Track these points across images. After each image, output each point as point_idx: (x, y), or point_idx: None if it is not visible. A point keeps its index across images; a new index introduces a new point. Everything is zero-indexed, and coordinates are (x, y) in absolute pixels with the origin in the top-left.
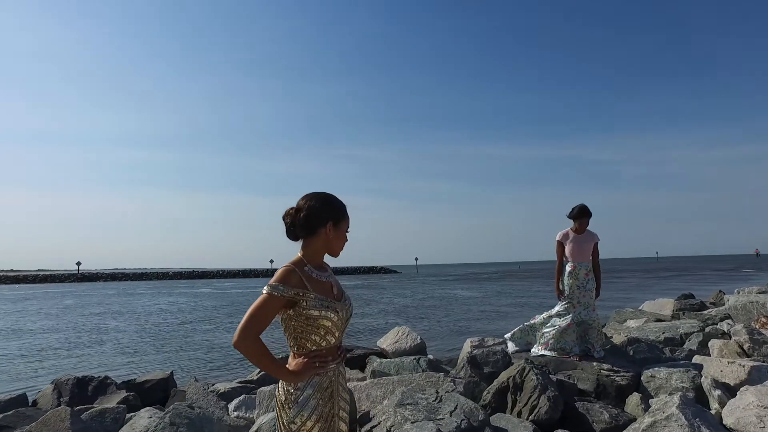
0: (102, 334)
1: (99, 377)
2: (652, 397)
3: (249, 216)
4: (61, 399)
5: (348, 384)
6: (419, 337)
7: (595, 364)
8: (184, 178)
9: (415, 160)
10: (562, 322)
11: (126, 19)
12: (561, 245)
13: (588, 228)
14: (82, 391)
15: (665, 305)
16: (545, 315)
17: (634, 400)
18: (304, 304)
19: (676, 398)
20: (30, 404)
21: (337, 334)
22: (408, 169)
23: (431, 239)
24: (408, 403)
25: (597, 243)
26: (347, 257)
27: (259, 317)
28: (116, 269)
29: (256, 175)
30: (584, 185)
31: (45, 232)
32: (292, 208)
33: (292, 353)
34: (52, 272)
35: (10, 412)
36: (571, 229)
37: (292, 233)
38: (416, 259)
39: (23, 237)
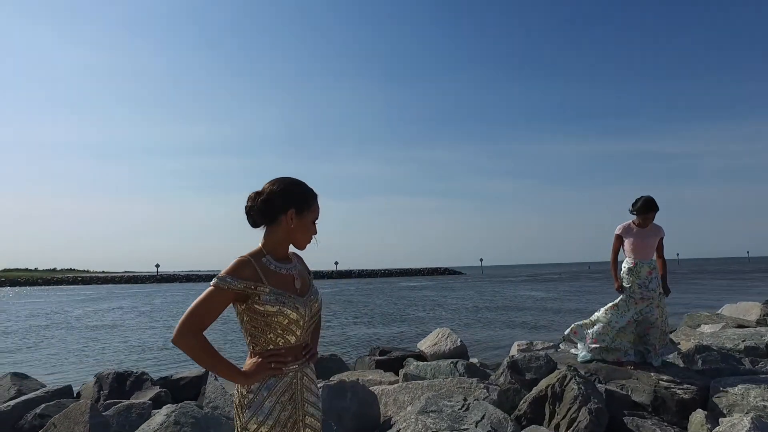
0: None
1: (137, 372)
2: (724, 416)
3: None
4: (101, 392)
5: (377, 387)
6: (459, 340)
7: (653, 373)
8: (256, 183)
9: (481, 160)
10: (620, 319)
11: (199, 35)
12: (619, 239)
13: (653, 222)
14: (120, 385)
15: (750, 309)
16: (601, 311)
17: (698, 418)
18: (257, 298)
19: (746, 420)
20: (74, 396)
21: (298, 333)
22: (474, 169)
23: (496, 240)
24: (431, 411)
25: (662, 238)
26: (411, 258)
27: (202, 312)
28: (191, 271)
29: (322, 178)
30: (658, 180)
31: (127, 237)
32: (254, 192)
33: (249, 352)
34: (135, 274)
35: (53, 402)
36: (633, 222)
37: (252, 219)
38: (481, 260)
39: (112, 241)
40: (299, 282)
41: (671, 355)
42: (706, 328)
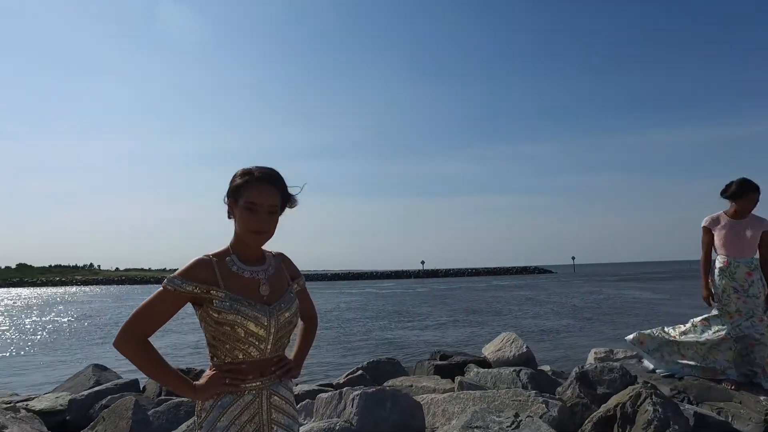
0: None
1: (197, 371)
2: None
3: (401, 218)
4: (163, 388)
5: (428, 396)
6: (525, 346)
7: (762, 397)
8: (344, 185)
9: (573, 154)
10: (712, 334)
11: (286, 45)
12: (708, 233)
13: (754, 212)
14: None
15: None
16: (690, 324)
17: None
18: (212, 303)
19: None
20: (141, 390)
21: (262, 347)
22: (564, 164)
23: (589, 237)
24: (476, 426)
25: (766, 232)
26: (499, 257)
27: (146, 316)
28: None
29: (408, 178)
30: None
31: (219, 237)
32: None
33: (210, 363)
34: None
35: (118, 395)
36: (725, 212)
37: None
38: (573, 258)
39: (214, 244)
40: (266, 288)
41: None
42: None
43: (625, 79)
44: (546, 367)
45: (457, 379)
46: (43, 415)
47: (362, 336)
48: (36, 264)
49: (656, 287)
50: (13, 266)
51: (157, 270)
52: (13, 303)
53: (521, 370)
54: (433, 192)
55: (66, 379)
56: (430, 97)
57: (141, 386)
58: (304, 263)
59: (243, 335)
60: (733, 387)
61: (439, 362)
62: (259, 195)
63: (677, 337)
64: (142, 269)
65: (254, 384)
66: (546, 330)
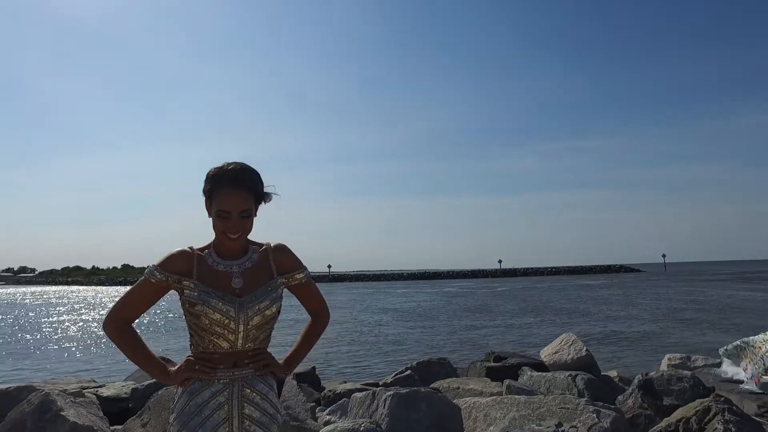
0: (375, 327)
1: None
2: None
3: (476, 217)
4: None
5: (472, 399)
6: (585, 349)
7: None
8: (411, 185)
9: (661, 143)
10: None
11: (347, 49)
12: None
13: None
14: None
15: None
16: None
17: None
18: (184, 293)
19: None
20: None
21: (231, 338)
22: (652, 154)
23: (681, 233)
24: None
25: None
26: (579, 255)
27: (127, 302)
28: (359, 271)
29: (475, 175)
30: None
31: (301, 238)
32: None
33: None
34: (311, 273)
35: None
36: None
37: None
38: (663, 255)
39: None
40: (239, 281)
41: None
42: None
43: (703, 62)
44: (613, 373)
45: (506, 382)
46: (109, 401)
47: (447, 335)
48: (137, 264)
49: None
50: (119, 266)
51: None
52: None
53: (578, 375)
54: (501, 189)
55: (136, 369)
56: (492, 92)
57: None
58: (378, 263)
59: (208, 325)
60: None
61: (492, 364)
62: (228, 202)
63: (760, 342)
64: None
65: (225, 374)
66: (633, 332)
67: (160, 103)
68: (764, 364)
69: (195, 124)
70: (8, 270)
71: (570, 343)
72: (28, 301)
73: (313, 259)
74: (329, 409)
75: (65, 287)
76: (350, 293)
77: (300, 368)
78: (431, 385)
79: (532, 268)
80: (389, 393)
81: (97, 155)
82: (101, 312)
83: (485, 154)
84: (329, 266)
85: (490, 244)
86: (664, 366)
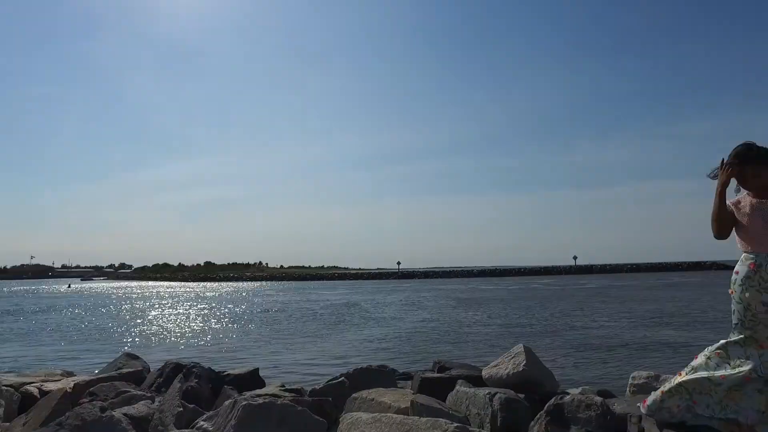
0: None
1: (189, 365)
2: None
3: (550, 212)
4: (157, 380)
5: (362, 415)
6: (524, 364)
7: None
8: (490, 180)
9: (759, 125)
10: (732, 372)
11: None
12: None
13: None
14: (167, 378)
15: None
16: (703, 356)
17: None
18: None
19: None
20: (139, 381)
21: None
22: (749, 138)
23: None
24: None
25: None
26: (664, 251)
27: None
28: (428, 268)
29: (555, 168)
30: None
31: (369, 236)
32: None
33: None
34: (380, 270)
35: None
36: (749, 193)
37: None
38: None
39: (364, 241)
40: None
41: None
42: None
43: None
44: (575, 390)
45: (411, 398)
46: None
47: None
48: (218, 262)
49: None
50: (202, 263)
51: (316, 267)
52: (198, 294)
53: (496, 393)
54: (585, 181)
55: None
56: (575, 76)
57: (145, 376)
58: (451, 260)
59: None
60: None
61: (427, 375)
62: None
63: (684, 375)
64: (302, 267)
65: None
66: (669, 340)
67: (244, 110)
68: (689, 396)
69: (272, 129)
70: (110, 266)
71: (512, 356)
72: (120, 293)
73: (384, 256)
74: (207, 414)
75: (154, 282)
76: (401, 289)
77: (241, 369)
78: (353, 395)
79: (609, 265)
80: (243, 403)
81: (188, 160)
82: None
83: (570, 143)
84: (398, 263)
85: (565, 239)
86: (630, 386)
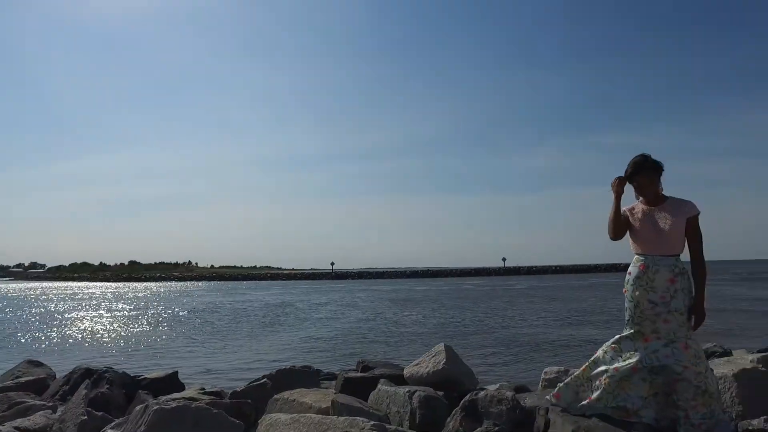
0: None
1: (100, 370)
2: None
3: (482, 215)
4: (63, 388)
5: (282, 416)
6: (443, 363)
7: None
8: (424, 182)
9: (686, 139)
10: (622, 363)
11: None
12: (626, 226)
13: (672, 196)
14: (74, 384)
15: None
16: (601, 351)
17: None
18: None
19: None
20: (40, 391)
21: None
22: (677, 150)
23: (708, 230)
24: None
25: (691, 219)
26: (587, 253)
27: None
28: (362, 268)
29: (494, 172)
30: None
31: (303, 237)
32: None
33: None
34: (314, 271)
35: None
36: (642, 200)
37: None
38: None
39: (298, 241)
40: None
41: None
42: None
43: (742, 48)
44: (494, 387)
45: (332, 398)
46: None
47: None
48: (144, 261)
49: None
50: (126, 263)
51: (248, 267)
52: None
53: (416, 391)
54: (520, 186)
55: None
56: (516, 85)
57: (48, 384)
58: (384, 261)
59: None
60: None
61: (351, 375)
62: None
63: (587, 369)
64: (234, 267)
65: None
66: (579, 337)
67: (170, 102)
68: (589, 388)
69: (201, 123)
70: (19, 266)
71: (433, 355)
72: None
73: (317, 257)
74: (115, 422)
75: (71, 283)
76: (339, 290)
77: (159, 372)
78: (275, 396)
79: (536, 267)
80: (154, 407)
81: (107, 153)
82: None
83: (496, 152)
84: (332, 264)
85: (495, 242)
86: (542, 381)
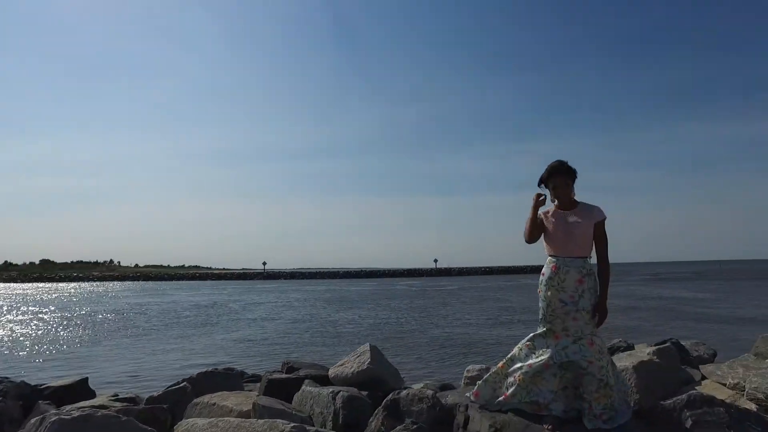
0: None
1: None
2: None
3: (415, 217)
4: None
5: (199, 421)
6: (367, 363)
7: None
8: (356, 183)
9: (600, 151)
10: (534, 360)
11: (298, 40)
12: (541, 229)
13: (583, 202)
14: None
15: None
16: (517, 348)
17: None
18: None
19: None
20: None
21: None
22: (592, 161)
23: (616, 234)
24: None
25: (599, 223)
26: (517, 255)
27: None
28: (294, 269)
29: (421, 176)
30: None
31: (233, 236)
32: None
33: None
34: (245, 270)
35: None
36: (556, 205)
37: None
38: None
39: (229, 240)
40: None
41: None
42: None
43: (651, 71)
44: (417, 385)
45: (254, 400)
46: None
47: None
48: (59, 260)
49: (698, 287)
50: (37, 262)
51: (176, 267)
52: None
53: (339, 392)
54: (444, 189)
55: None
56: (444, 92)
57: None
58: (319, 261)
59: None
60: (550, 428)
61: (274, 377)
62: None
63: (504, 366)
64: (161, 266)
65: None
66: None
67: (87, 91)
68: (505, 385)
69: (126, 114)
70: None
71: (359, 354)
72: None
73: (249, 256)
74: None
75: None
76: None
77: (65, 380)
78: (195, 400)
79: (466, 268)
80: (53, 418)
81: (14, 141)
82: None
83: (433, 154)
84: (264, 263)
85: (428, 243)
86: (466, 375)
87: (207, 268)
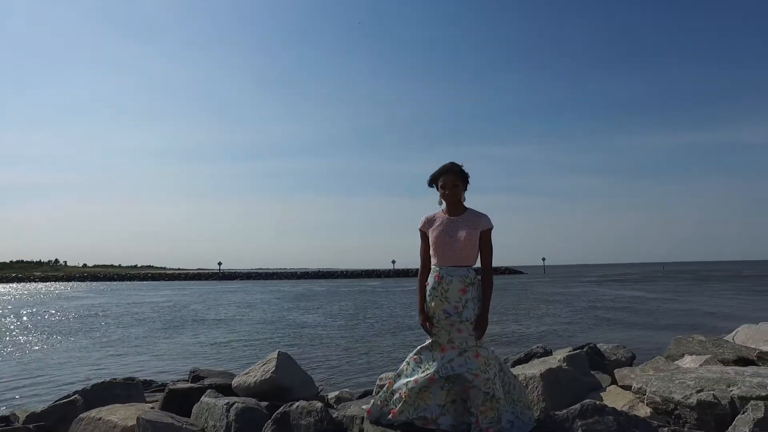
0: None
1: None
2: None
3: (378, 217)
4: None
5: None
6: (272, 371)
7: None
8: (328, 182)
9: (557, 155)
10: (420, 375)
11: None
12: (424, 236)
13: (466, 205)
14: None
15: None
16: (405, 362)
17: None
18: None
19: None
20: None
21: None
22: (547, 165)
23: (561, 239)
24: None
25: (485, 232)
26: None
27: None
28: (251, 269)
29: (393, 177)
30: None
31: (191, 235)
32: None
33: None
34: (200, 270)
35: None
36: (443, 210)
37: None
38: (543, 259)
39: (185, 240)
40: None
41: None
42: (688, 360)
43: (612, 80)
44: (332, 393)
45: (138, 414)
46: None
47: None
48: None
49: (643, 287)
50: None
51: (128, 267)
52: None
53: (234, 403)
54: (413, 190)
55: None
56: (411, 94)
57: None
58: (282, 261)
59: None
60: None
61: (176, 387)
62: None
63: (392, 383)
64: (111, 266)
65: None
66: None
67: (43, 82)
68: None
69: (81, 106)
70: None
71: (265, 362)
72: None
73: (204, 256)
74: None
75: None
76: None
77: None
78: (80, 414)
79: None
80: None
81: None
82: None
83: (403, 155)
84: (220, 263)
85: (386, 244)
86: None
87: (161, 268)
